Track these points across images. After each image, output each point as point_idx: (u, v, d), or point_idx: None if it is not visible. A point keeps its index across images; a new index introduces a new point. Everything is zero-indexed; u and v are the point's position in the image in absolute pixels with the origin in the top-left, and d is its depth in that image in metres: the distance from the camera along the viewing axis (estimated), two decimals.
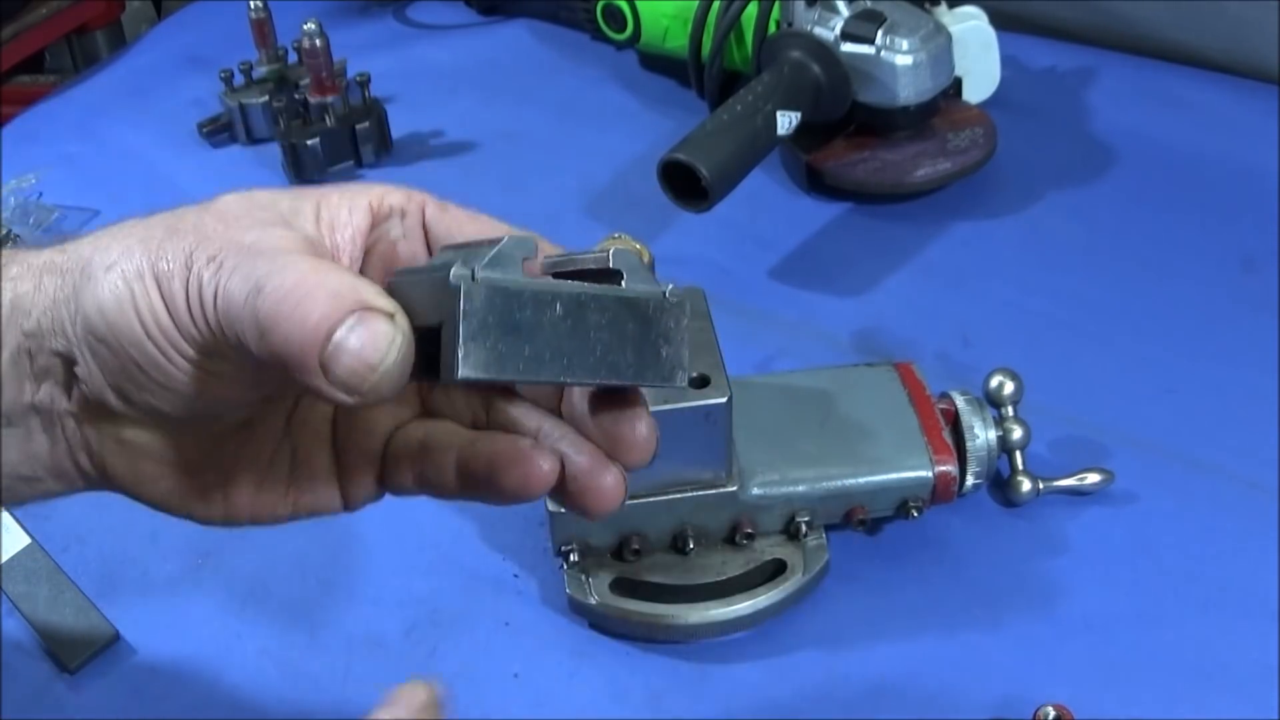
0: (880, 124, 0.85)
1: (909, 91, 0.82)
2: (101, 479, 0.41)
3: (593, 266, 0.38)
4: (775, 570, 0.60)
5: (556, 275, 0.38)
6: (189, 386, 0.37)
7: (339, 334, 0.33)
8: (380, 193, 0.40)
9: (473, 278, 0.34)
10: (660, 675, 0.58)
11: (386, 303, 0.34)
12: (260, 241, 0.36)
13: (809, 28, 0.83)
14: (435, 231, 0.41)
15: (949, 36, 0.83)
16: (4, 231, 0.88)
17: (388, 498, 0.47)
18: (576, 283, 0.36)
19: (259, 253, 0.35)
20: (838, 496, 0.60)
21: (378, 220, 0.40)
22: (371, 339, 0.33)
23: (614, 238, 0.54)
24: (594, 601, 0.58)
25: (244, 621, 0.61)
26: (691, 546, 0.59)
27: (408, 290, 0.36)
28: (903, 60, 0.81)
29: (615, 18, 0.99)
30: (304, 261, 0.34)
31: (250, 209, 0.38)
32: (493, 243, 0.36)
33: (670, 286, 0.38)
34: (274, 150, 0.93)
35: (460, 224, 0.41)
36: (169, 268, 0.36)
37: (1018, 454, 0.63)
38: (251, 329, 0.34)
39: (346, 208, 0.40)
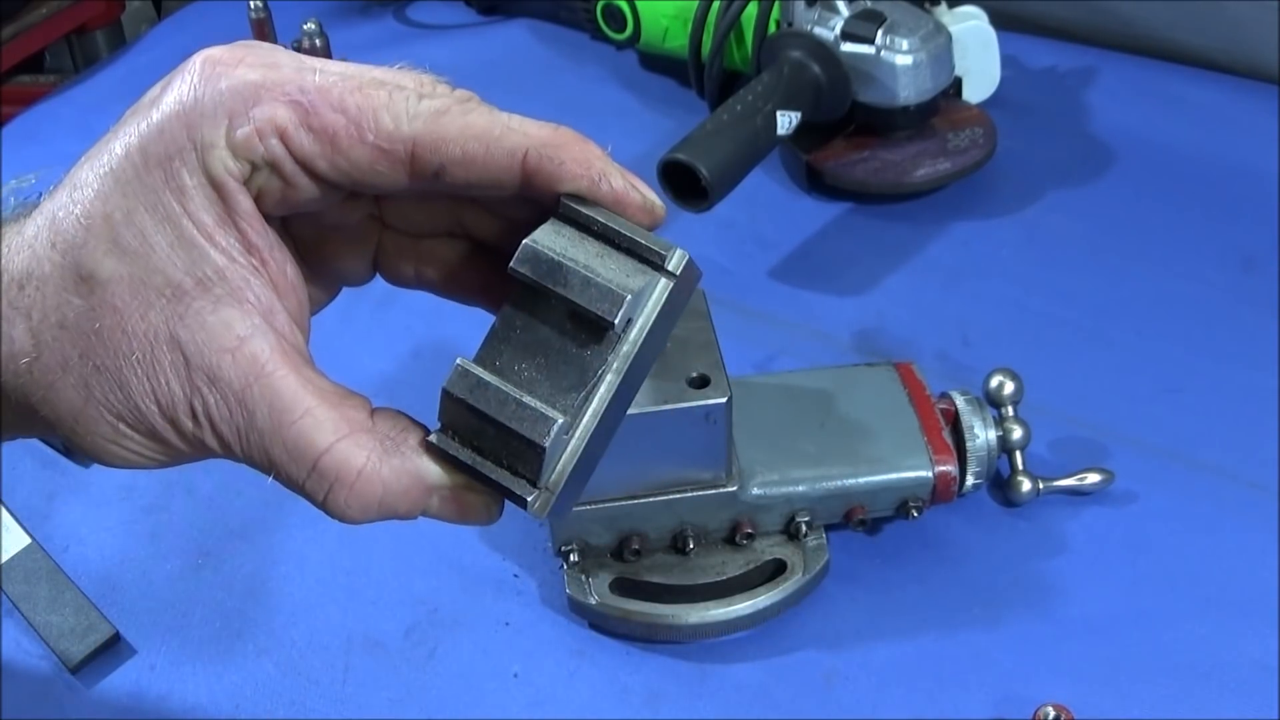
0: (880, 124, 0.84)
1: (909, 91, 0.82)
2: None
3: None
4: (775, 570, 0.60)
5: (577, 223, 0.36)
6: None
7: (430, 512, 0.38)
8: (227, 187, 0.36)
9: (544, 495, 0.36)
10: (660, 675, 0.58)
11: (465, 480, 0.37)
12: (240, 383, 0.35)
13: (809, 28, 0.83)
14: (310, 154, 0.36)
15: (949, 36, 0.83)
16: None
17: None
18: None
19: (261, 428, 0.36)
20: (838, 496, 0.60)
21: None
22: (463, 510, 0.38)
23: None
24: (594, 601, 0.58)
25: (244, 621, 0.61)
26: (691, 546, 0.59)
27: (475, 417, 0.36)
28: (903, 60, 0.81)
29: (615, 18, 0.99)
30: (332, 454, 0.36)
31: (145, 271, 0.35)
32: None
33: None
34: None
35: (340, 126, 0.35)
36: (147, 427, 0.36)
37: (1018, 454, 0.63)
38: (299, 493, 0.38)
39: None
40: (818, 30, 0.82)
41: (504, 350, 0.36)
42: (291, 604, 0.62)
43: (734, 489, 0.58)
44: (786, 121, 0.79)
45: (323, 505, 0.37)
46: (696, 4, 0.91)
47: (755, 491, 0.59)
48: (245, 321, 0.35)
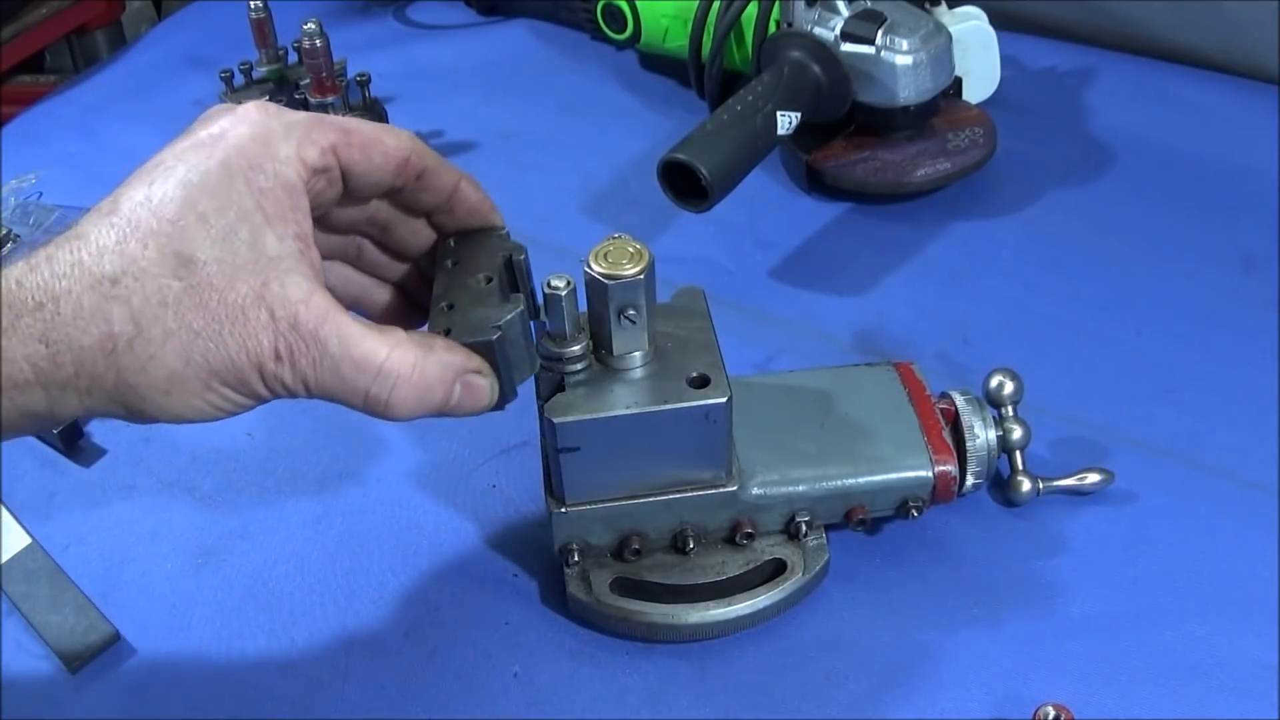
0: (880, 124, 0.85)
1: (909, 91, 0.82)
2: None
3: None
4: (775, 570, 0.60)
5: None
6: None
7: (452, 399, 0.50)
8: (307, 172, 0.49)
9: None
10: (660, 675, 0.58)
11: (476, 363, 0.50)
12: (313, 323, 0.46)
13: (809, 28, 0.83)
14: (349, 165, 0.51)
15: (949, 36, 0.83)
16: (4, 231, 0.88)
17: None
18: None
19: (334, 353, 0.47)
20: (838, 496, 0.60)
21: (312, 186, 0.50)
22: (474, 395, 0.50)
23: (614, 238, 0.54)
24: (594, 601, 0.58)
25: (244, 621, 0.61)
26: (691, 546, 0.59)
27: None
28: (903, 60, 0.81)
29: (615, 18, 0.99)
30: (391, 358, 0.48)
31: (233, 253, 0.46)
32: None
33: None
34: None
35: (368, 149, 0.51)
36: (235, 375, 0.46)
37: (1018, 454, 0.63)
38: (360, 406, 0.49)
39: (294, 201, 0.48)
40: (818, 30, 0.82)
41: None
42: (291, 604, 0.62)
43: (734, 489, 0.58)
44: (786, 121, 0.79)
45: (386, 402, 0.48)
46: (696, 4, 0.91)
47: (755, 491, 0.59)
48: (307, 283, 0.47)
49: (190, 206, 0.46)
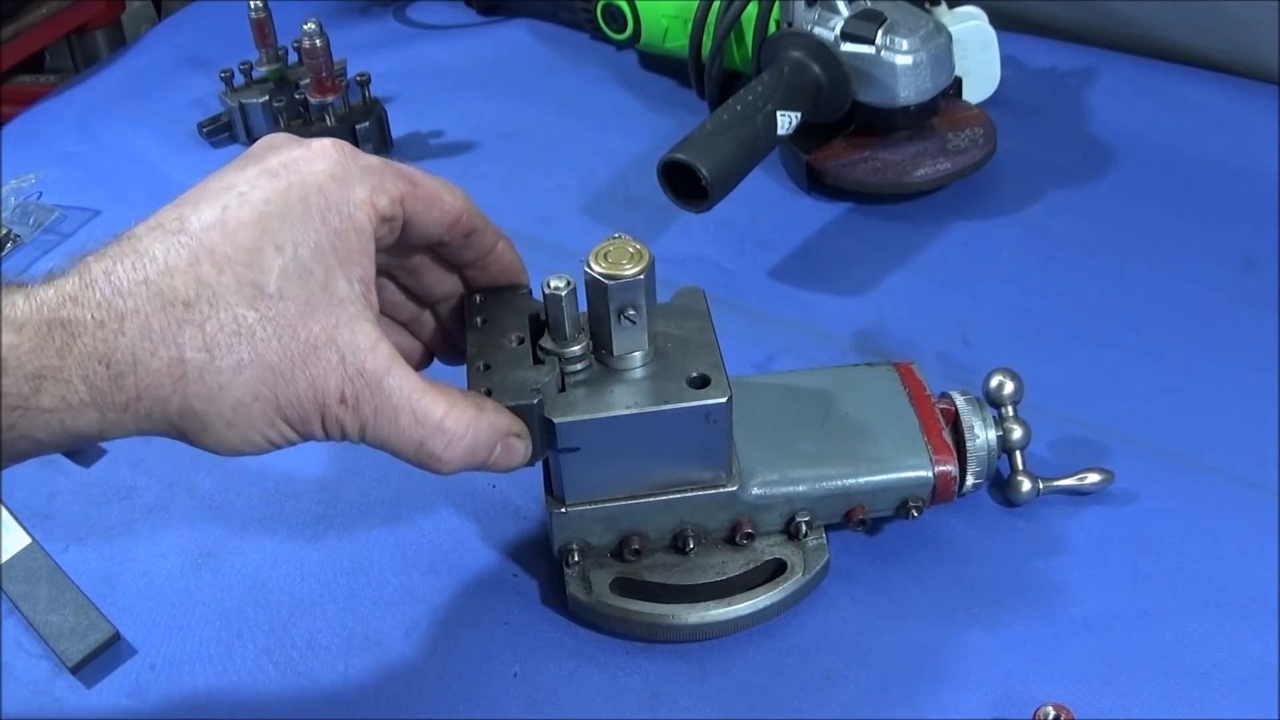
0: (880, 124, 0.85)
1: (909, 91, 0.82)
2: None
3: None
4: (775, 570, 0.60)
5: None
6: None
7: (492, 457, 0.51)
8: (374, 224, 0.49)
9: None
10: (660, 675, 0.58)
11: (518, 426, 0.52)
12: (379, 372, 0.47)
13: (809, 28, 0.83)
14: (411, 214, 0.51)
15: (949, 36, 0.83)
16: (4, 231, 0.88)
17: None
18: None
19: (396, 404, 0.48)
20: (838, 496, 0.60)
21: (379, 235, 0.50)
22: (511, 455, 0.52)
23: (614, 238, 0.54)
24: (594, 601, 0.58)
25: (244, 621, 0.61)
26: (691, 546, 0.59)
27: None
28: (903, 60, 0.81)
29: (615, 18, 0.99)
30: (449, 416, 0.49)
31: (308, 291, 0.46)
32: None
33: None
34: None
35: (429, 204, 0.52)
36: (299, 414, 0.46)
37: (1018, 454, 0.63)
38: (411, 456, 0.49)
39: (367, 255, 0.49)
40: (818, 30, 0.82)
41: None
42: (291, 604, 0.62)
43: (734, 489, 0.58)
44: (786, 121, 0.79)
45: (440, 457, 0.49)
46: (696, 4, 0.91)
47: (755, 491, 0.59)
48: (374, 331, 0.47)
49: (268, 237, 0.45)
